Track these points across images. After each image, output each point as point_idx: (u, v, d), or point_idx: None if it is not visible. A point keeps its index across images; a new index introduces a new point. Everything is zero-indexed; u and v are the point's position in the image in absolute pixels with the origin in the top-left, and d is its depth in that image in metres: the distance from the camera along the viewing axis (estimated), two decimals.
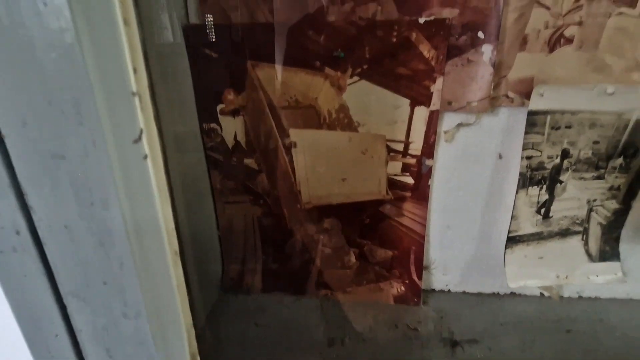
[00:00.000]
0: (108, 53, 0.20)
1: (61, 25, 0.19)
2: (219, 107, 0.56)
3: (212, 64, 0.53)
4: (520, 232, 0.61)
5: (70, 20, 0.19)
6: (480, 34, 0.49)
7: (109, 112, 0.21)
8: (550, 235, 0.61)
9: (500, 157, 0.58)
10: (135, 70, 0.21)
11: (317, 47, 0.52)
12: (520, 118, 0.54)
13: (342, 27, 0.51)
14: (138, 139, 0.22)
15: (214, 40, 0.51)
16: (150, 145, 0.22)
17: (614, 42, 0.48)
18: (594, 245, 0.62)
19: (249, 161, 0.60)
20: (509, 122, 0.55)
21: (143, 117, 0.21)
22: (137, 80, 0.21)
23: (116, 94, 0.21)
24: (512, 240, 0.61)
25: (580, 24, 0.48)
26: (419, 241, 0.64)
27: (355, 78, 0.54)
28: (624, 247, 0.62)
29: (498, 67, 0.51)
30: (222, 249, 0.68)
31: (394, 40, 0.51)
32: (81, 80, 0.20)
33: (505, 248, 0.62)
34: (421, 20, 0.49)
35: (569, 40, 0.49)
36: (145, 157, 0.23)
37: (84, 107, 0.20)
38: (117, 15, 0.21)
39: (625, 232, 0.61)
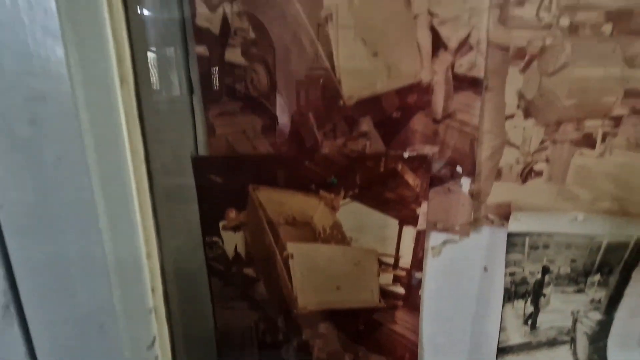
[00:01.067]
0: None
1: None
2: (221, 223, 0.60)
3: (216, 186, 0.58)
4: (510, 343, 0.61)
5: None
6: (459, 169, 0.54)
7: (127, 327, 0.23)
8: (539, 346, 0.62)
9: (485, 269, 0.61)
10: (153, 290, 0.24)
11: (313, 175, 0.56)
12: (501, 236, 0.58)
13: (335, 158, 0.56)
14: (151, 345, 0.24)
15: (219, 168, 0.56)
16: (162, 347, 0.25)
17: (579, 177, 0.53)
18: (582, 354, 0.62)
19: (248, 270, 0.63)
20: (491, 238, 0.59)
21: (157, 326, 0.24)
22: (154, 297, 0.24)
23: (135, 311, 0.23)
24: (503, 351, 0.62)
25: (547, 161, 0.53)
26: (412, 349, 0.64)
27: (348, 200, 0.58)
28: (611, 355, 0.63)
29: (477, 194, 0.55)
30: (219, 351, 0.68)
31: (382, 170, 0.56)
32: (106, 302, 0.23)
33: (497, 358, 0.62)
34: (405, 155, 0.54)
35: (539, 174, 0.54)
36: (157, 358, 0.25)
37: (107, 326, 0.23)
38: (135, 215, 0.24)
39: (611, 341, 0.63)
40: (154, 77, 0.54)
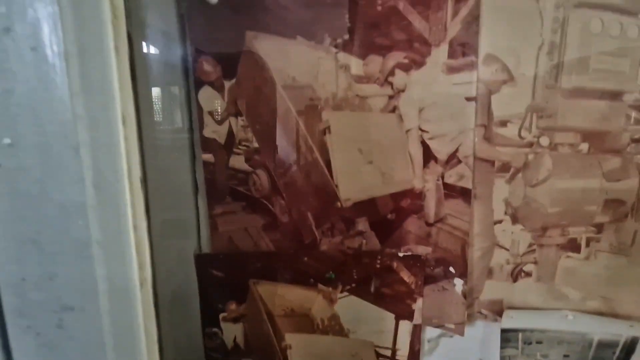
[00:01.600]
0: None
1: None
2: (222, 315, 0.61)
3: (217, 280, 0.59)
4: None
5: None
6: (452, 269, 0.56)
7: None
8: None
9: None
10: None
11: (312, 270, 0.58)
12: (495, 330, 0.59)
13: (333, 255, 0.58)
14: None
15: (221, 264, 0.58)
16: None
17: (567, 278, 0.55)
18: None
19: None
20: (485, 332, 0.60)
21: None
22: None
23: None
24: None
25: (535, 262, 0.55)
26: None
27: (345, 293, 0.59)
28: None
29: (470, 291, 0.57)
30: None
31: (378, 266, 0.57)
32: None
33: None
34: (400, 254, 0.57)
35: (529, 274, 0.56)
36: None
37: None
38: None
39: None
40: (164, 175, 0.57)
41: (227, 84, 0.53)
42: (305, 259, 0.58)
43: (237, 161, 0.55)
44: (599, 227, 0.53)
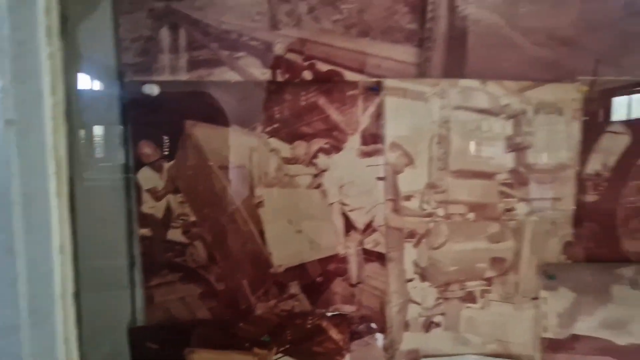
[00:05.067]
0: None
1: None
2: None
3: (152, 353, 0.56)
4: None
5: None
6: (373, 325, 0.60)
7: None
8: None
9: None
10: None
11: (248, 334, 0.58)
12: None
13: (268, 318, 0.59)
14: None
15: (156, 336, 0.56)
16: None
17: (468, 325, 0.61)
18: None
19: None
20: None
21: None
22: None
23: None
24: None
25: (443, 314, 0.61)
26: None
27: (280, 355, 0.60)
28: None
29: (391, 343, 0.61)
30: None
31: (309, 326, 0.60)
32: None
33: None
34: (329, 314, 0.60)
35: (438, 324, 0.61)
36: None
37: None
38: None
39: None
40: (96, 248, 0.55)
41: (167, 165, 0.55)
42: (242, 324, 0.59)
43: (175, 234, 0.56)
44: (489, 281, 0.61)
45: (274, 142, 0.56)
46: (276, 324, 0.59)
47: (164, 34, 0.54)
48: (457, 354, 0.61)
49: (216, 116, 0.54)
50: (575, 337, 0.64)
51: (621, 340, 0.64)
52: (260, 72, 0.55)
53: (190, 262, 0.56)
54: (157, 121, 0.53)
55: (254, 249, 0.57)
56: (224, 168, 0.55)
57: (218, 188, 0.56)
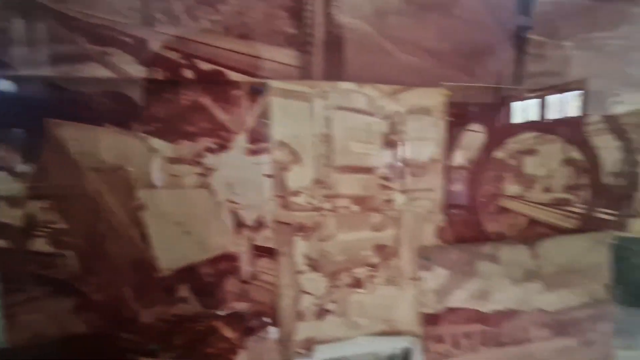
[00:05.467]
0: None
1: None
2: None
3: None
4: None
5: None
6: (267, 319, 0.61)
7: None
8: None
9: None
10: None
11: (133, 345, 0.55)
12: None
13: (155, 325, 0.56)
14: None
15: (23, 357, 0.50)
16: None
17: (357, 310, 0.66)
18: None
19: None
20: None
21: None
22: None
23: None
24: None
25: (334, 302, 0.65)
26: None
27: None
28: None
29: (286, 335, 0.63)
30: None
31: (201, 328, 0.59)
32: None
33: None
34: (221, 313, 0.59)
35: (330, 312, 0.65)
36: None
37: None
38: None
39: None
40: None
41: (27, 169, 0.50)
42: (124, 334, 0.55)
43: (39, 244, 0.51)
44: (374, 266, 0.67)
45: (155, 142, 0.54)
46: (165, 330, 0.57)
47: (19, 25, 0.49)
48: (349, 338, 0.66)
49: (85, 115, 0.50)
50: (450, 310, 0.73)
51: (486, 308, 0.75)
52: (136, 70, 0.52)
53: (60, 273, 0.51)
54: (13, 121, 0.48)
55: (137, 254, 0.54)
56: (98, 170, 0.52)
57: (91, 192, 0.52)
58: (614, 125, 0.79)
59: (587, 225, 0.81)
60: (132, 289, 0.54)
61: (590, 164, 0.79)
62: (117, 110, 0.52)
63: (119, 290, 0.54)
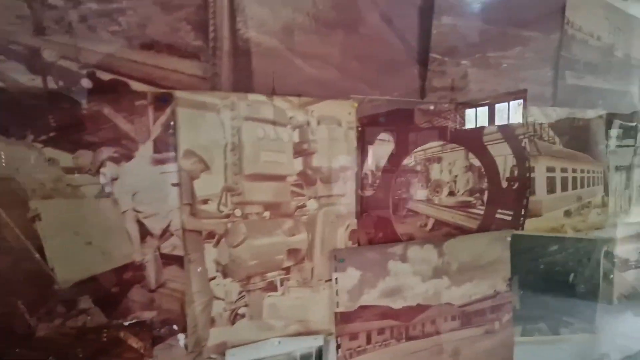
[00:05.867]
0: None
1: None
2: None
3: None
4: None
5: None
6: (175, 327, 0.61)
7: None
8: None
9: None
10: None
11: None
12: None
13: (52, 339, 0.55)
14: None
15: None
16: None
17: (271, 312, 0.69)
18: None
19: None
20: None
21: None
22: None
23: None
24: None
25: (246, 305, 0.67)
26: None
27: None
28: None
29: (198, 341, 0.64)
30: None
31: (105, 340, 0.58)
32: None
33: None
34: (126, 323, 0.59)
35: (243, 316, 0.67)
36: None
37: None
38: None
39: None
40: None
41: None
42: (17, 350, 0.53)
43: None
44: (287, 270, 0.70)
45: (51, 152, 0.53)
46: (64, 344, 0.55)
47: None
48: (262, 339, 0.68)
49: None
50: (363, 308, 0.77)
51: (397, 304, 0.81)
52: (28, 78, 0.51)
53: None
54: None
55: (31, 267, 0.53)
56: None
57: None
58: (510, 135, 0.89)
59: (488, 225, 0.90)
60: (26, 303, 0.53)
61: (489, 170, 0.88)
62: (5, 119, 0.50)
63: (12, 304, 0.52)
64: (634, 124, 1.11)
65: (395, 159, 0.79)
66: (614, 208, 1.10)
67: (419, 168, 0.82)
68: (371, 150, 0.76)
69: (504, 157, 0.88)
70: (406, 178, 0.80)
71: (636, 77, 1.11)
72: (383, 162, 0.77)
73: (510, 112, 0.88)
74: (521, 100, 0.90)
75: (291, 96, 0.67)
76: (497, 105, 0.87)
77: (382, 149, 0.77)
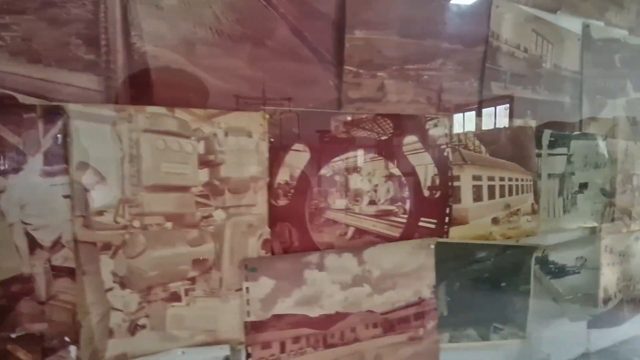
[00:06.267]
0: None
1: None
2: None
3: None
4: None
5: None
6: (67, 339, 0.61)
7: None
8: None
9: None
10: None
11: None
12: None
13: None
14: None
15: None
16: None
17: (175, 322, 0.69)
18: None
19: None
20: None
21: None
22: None
23: None
24: None
25: (147, 316, 0.67)
26: None
27: None
28: None
29: (94, 352, 0.63)
30: None
31: None
32: None
33: None
34: (14, 335, 0.59)
35: (143, 327, 0.67)
36: None
37: None
38: None
39: None
40: None
41: None
42: None
43: None
44: (193, 280, 0.70)
45: None
46: None
47: None
48: (165, 350, 0.68)
49: None
50: (276, 316, 0.77)
51: (313, 313, 0.81)
52: None
53: None
54: None
55: None
56: None
57: None
58: (431, 144, 0.91)
59: (411, 233, 0.92)
60: None
61: (410, 180, 0.89)
62: None
63: None
64: (566, 132, 1.15)
65: (311, 168, 0.80)
66: (547, 215, 1.12)
67: (337, 178, 0.83)
68: (285, 160, 0.77)
69: (424, 167, 0.89)
70: (324, 187, 0.81)
71: (566, 87, 1.14)
72: (298, 172, 0.79)
73: (433, 123, 0.90)
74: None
75: (195, 108, 0.68)
76: (417, 116, 0.89)
77: (296, 159, 0.78)
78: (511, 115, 1.02)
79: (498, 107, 1.00)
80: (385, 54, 0.82)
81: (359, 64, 0.79)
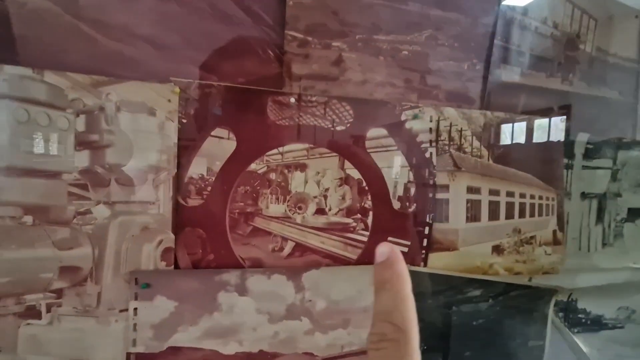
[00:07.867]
0: None
1: None
2: None
3: None
4: None
5: None
6: None
7: None
8: None
9: None
10: None
11: None
12: None
13: None
14: None
15: None
16: None
17: (30, 345, 0.53)
18: None
19: None
20: None
21: None
22: None
23: None
24: None
25: None
26: None
27: None
28: None
29: None
30: None
31: None
32: None
33: None
34: None
35: None
36: None
37: None
38: None
39: None
40: None
41: None
42: None
43: None
44: (59, 293, 0.55)
45: None
46: None
47: None
48: None
49: None
50: (174, 349, 0.59)
51: (228, 349, 0.62)
52: None
53: None
54: None
55: None
56: None
57: None
58: (407, 142, 0.69)
59: (373, 256, 0.70)
60: None
61: (373, 186, 0.68)
62: None
63: None
64: (612, 138, 0.86)
65: (236, 162, 0.62)
66: (579, 247, 0.84)
67: (272, 176, 0.64)
68: (201, 149, 0.61)
69: (395, 170, 0.68)
70: (253, 187, 0.63)
71: (615, 79, 0.86)
72: (219, 165, 0.62)
73: (412, 113, 0.68)
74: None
75: (75, 73, 0.54)
76: (391, 103, 0.68)
77: (217, 148, 0.61)
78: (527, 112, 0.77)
79: (508, 99, 0.76)
80: (344, 17, 0.63)
81: (307, 28, 0.61)
